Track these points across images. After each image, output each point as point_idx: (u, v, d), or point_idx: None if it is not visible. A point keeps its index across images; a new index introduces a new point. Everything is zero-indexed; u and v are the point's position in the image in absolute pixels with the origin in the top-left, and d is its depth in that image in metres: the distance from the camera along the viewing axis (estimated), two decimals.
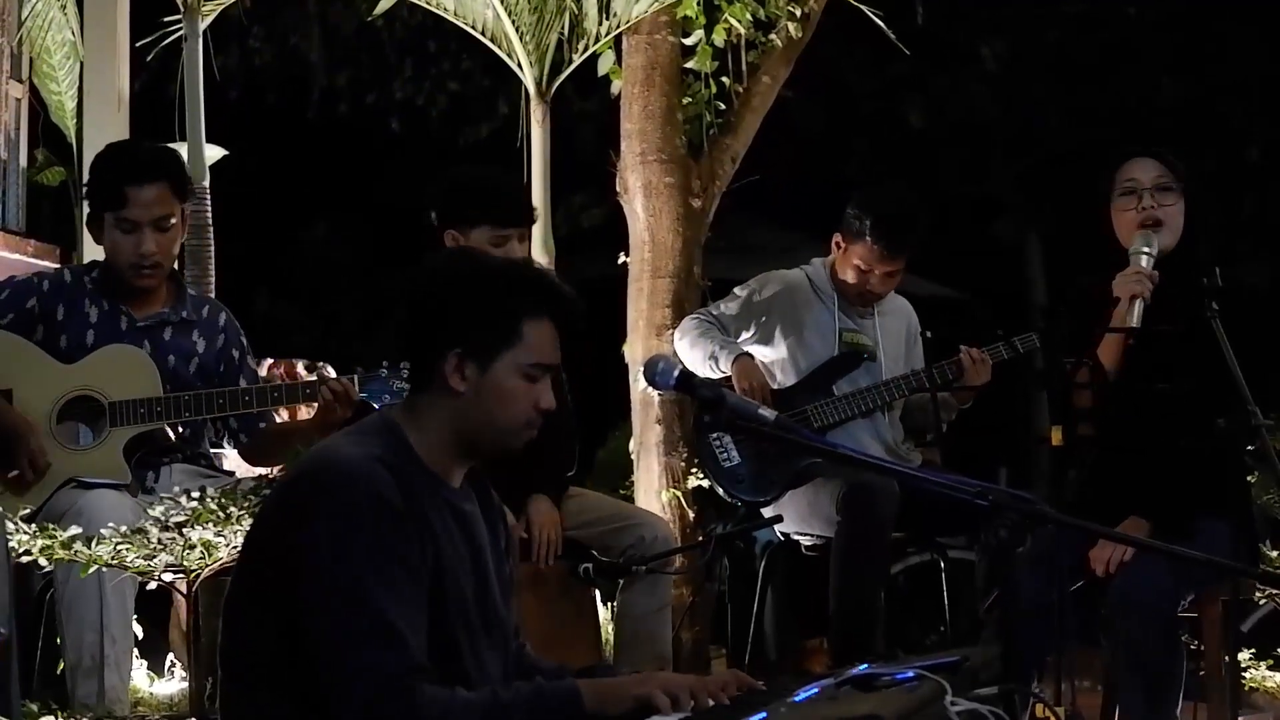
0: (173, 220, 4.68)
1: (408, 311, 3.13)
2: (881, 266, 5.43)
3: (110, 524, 4.17)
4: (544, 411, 3.11)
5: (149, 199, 4.64)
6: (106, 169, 4.74)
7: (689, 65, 6.52)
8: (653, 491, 6.20)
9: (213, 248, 6.23)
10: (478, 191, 4.87)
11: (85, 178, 6.71)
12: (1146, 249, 4.36)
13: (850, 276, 5.47)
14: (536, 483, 4.79)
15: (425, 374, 3.09)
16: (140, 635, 4.74)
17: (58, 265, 6.24)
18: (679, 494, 6.16)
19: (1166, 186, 4.43)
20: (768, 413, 3.22)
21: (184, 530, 4.10)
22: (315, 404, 4.62)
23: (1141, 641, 4.19)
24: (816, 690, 2.85)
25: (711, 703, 3.00)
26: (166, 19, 6.53)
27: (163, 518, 4.11)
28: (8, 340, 4.61)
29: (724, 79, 6.56)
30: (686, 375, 3.33)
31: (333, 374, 5.82)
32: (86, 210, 4.80)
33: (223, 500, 4.13)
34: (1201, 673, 4.67)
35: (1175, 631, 4.26)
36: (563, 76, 6.65)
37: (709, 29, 6.49)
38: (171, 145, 6.45)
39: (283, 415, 5.13)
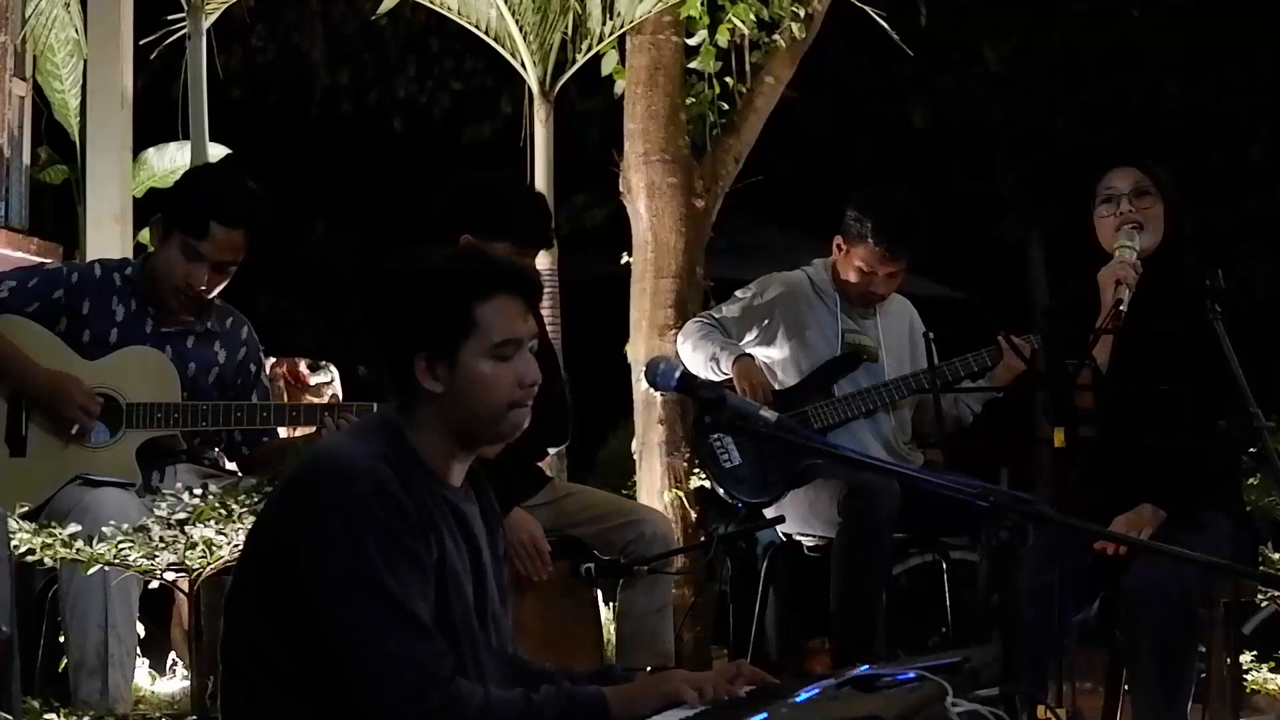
0: (234, 267, 4.66)
1: (368, 328, 3.13)
2: (884, 268, 5.43)
3: (113, 522, 4.18)
4: (530, 386, 3.09)
5: (226, 242, 4.61)
6: (201, 196, 4.67)
7: (692, 65, 6.53)
8: (655, 492, 6.21)
9: None
10: (506, 207, 4.75)
11: (85, 171, 6.80)
12: (1129, 243, 4.46)
13: (853, 278, 5.47)
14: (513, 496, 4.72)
15: (404, 382, 3.09)
16: (142, 634, 4.75)
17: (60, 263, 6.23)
18: (681, 494, 6.17)
19: (1144, 191, 4.54)
20: (769, 414, 3.22)
21: (186, 528, 4.10)
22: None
23: (1163, 634, 4.21)
24: (817, 691, 2.85)
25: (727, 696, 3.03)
26: (170, 17, 6.53)
27: (166, 515, 4.12)
28: (30, 329, 4.60)
29: (727, 79, 6.56)
30: (687, 376, 3.33)
31: (335, 374, 5.85)
32: (158, 215, 4.73)
33: (225, 497, 4.13)
34: (1203, 675, 4.67)
35: (1196, 624, 4.28)
36: (566, 76, 6.66)
37: (712, 29, 6.49)
38: (173, 144, 6.51)
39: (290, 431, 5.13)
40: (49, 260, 6.13)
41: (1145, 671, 4.26)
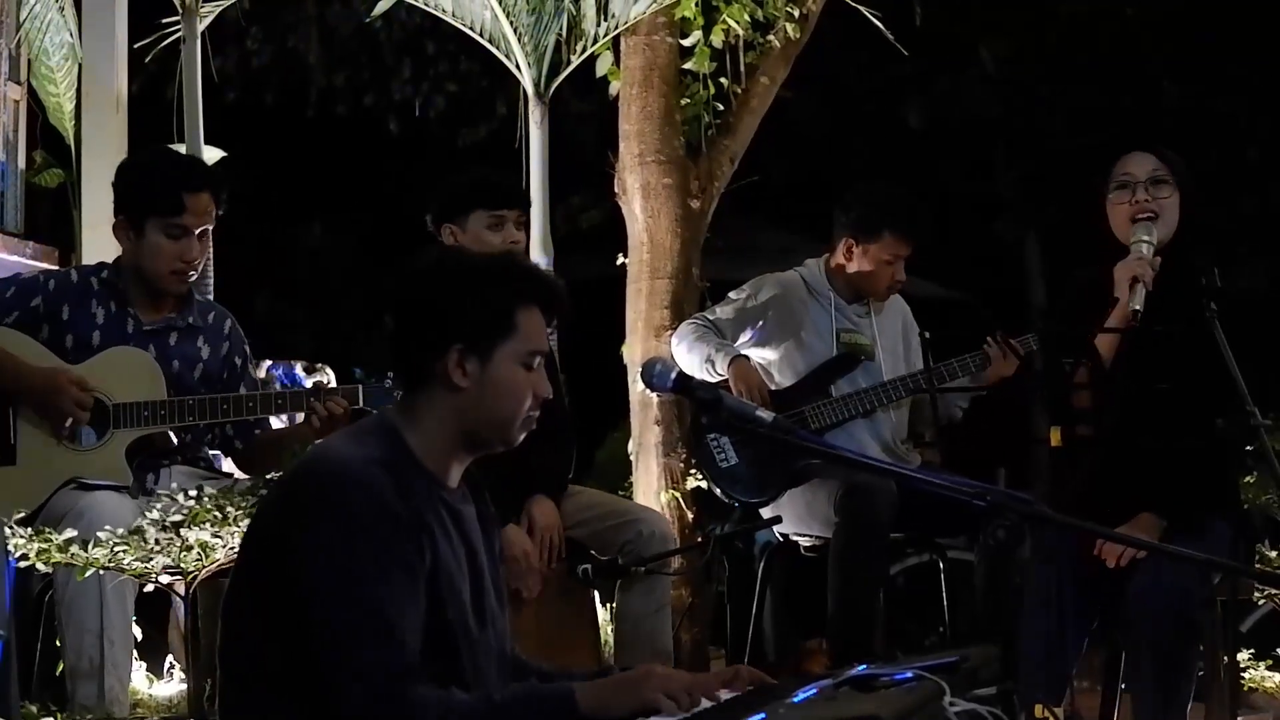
0: (209, 229, 4.74)
1: (401, 313, 3.14)
2: (905, 252, 5.46)
3: (108, 526, 4.17)
4: (542, 400, 3.13)
5: (200, 207, 4.67)
6: (162, 174, 4.73)
7: (687, 66, 6.53)
8: (652, 492, 6.20)
9: (211, 249, 6.22)
10: (468, 181, 4.95)
11: (81, 174, 6.79)
12: (1147, 238, 4.40)
13: (877, 274, 5.47)
14: (535, 485, 4.79)
15: (423, 373, 3.10)
16: (139, 637, 4.74)
17: (56, 267, 6.23)
18: (678, 495, 6.16)
19: (1161, 180, 4.46)
20: (765, 414, 3.22)
21: (181, 531, 4.10)
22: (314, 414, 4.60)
23: (1163, 640, 4.20)
24: (815, 691, 2.85)
25: (707, 701, 3.00)
26: (165, 20, 6.53)
27: (161, 518, 4.11)
28: (12, 338, 4.60)
29: (722, 80, 6.56)
30: (684, 377, 3.33)
31: (332, 376, 5.84)
32: (117, 214, 4.71)
33: (220, 500, 4.13)
34: (1201, 673, 4.67)
35: (1196, 630, 4.28)
36: (561, 77, 6.65)
37: (707, 30, 6.49)
38: (170, 147, 6.49)
39: (281, 420, 5.12)
40: (42, 265, 6.13)
41: (1145, 677, 4.26)
